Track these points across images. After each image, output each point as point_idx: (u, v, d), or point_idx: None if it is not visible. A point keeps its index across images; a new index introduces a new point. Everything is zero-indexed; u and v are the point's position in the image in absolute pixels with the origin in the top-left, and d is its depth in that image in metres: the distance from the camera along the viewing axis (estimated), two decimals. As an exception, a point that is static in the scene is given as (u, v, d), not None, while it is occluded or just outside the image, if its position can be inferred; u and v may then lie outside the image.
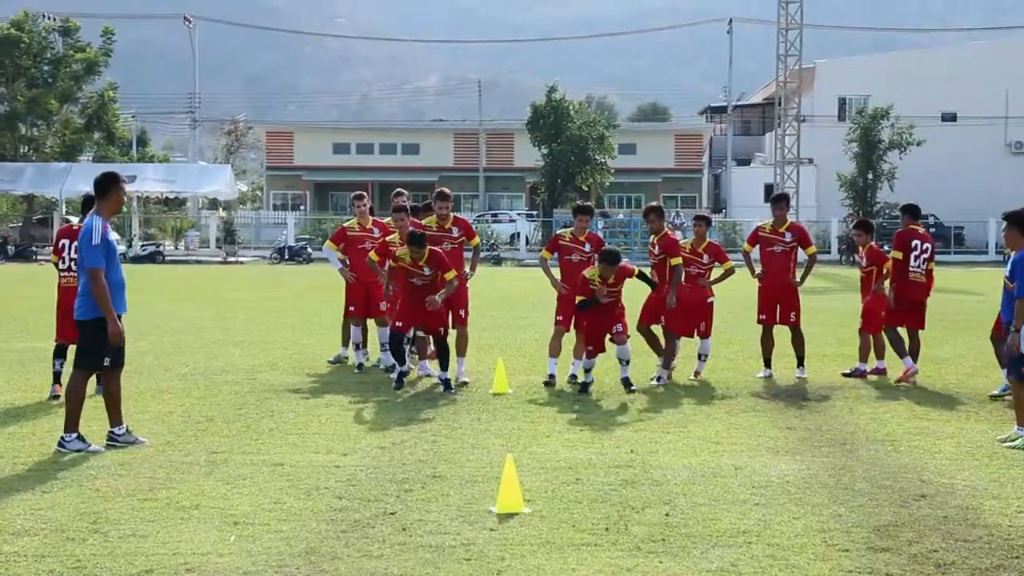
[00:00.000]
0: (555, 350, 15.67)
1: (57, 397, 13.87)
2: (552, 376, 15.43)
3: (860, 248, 17.09)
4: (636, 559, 7.71)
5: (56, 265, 14.68)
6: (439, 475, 10.07)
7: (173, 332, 21.80)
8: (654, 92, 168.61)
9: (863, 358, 16.59)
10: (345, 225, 17.48)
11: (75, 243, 14.87)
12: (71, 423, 11.04)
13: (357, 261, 16.77)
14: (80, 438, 11.06)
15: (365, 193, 17.82)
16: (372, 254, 15.98)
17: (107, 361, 11.21)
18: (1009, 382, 12.79)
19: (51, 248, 15.75)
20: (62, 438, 11.03)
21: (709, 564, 7.60)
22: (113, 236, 11.26)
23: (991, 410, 13.72)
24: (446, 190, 16.46)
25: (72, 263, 14.25)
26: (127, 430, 11.41)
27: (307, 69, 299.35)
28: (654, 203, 17.59)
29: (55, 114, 73.56)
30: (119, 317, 11.12)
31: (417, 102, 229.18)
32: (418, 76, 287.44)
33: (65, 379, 13.17)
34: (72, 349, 14.02)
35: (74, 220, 16.60)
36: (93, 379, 12.52)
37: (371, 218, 17.41)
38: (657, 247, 16.12)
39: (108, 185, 11.09)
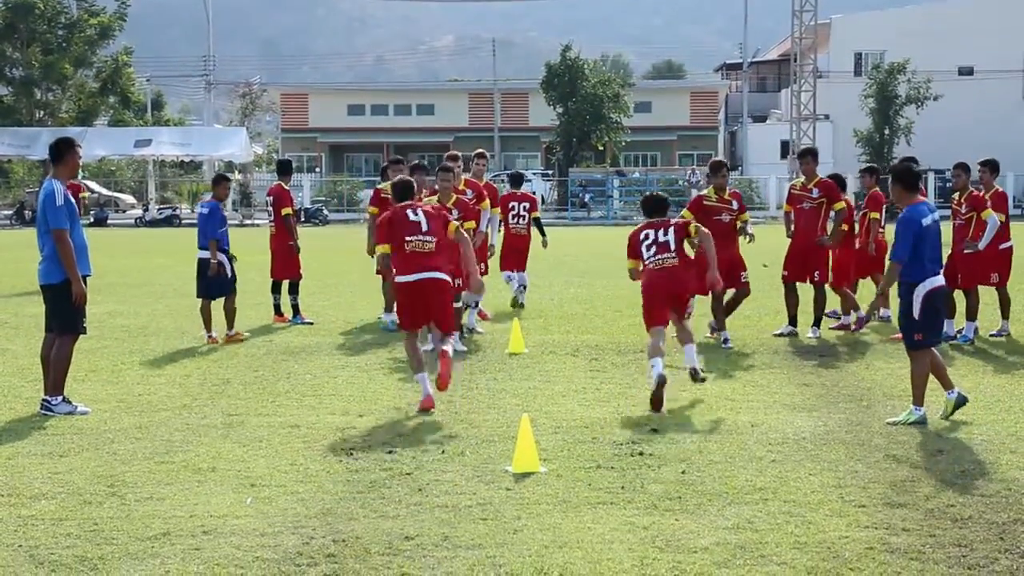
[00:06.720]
0: (655, 350, 11.62)
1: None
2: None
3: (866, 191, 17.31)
4: (652, 517, 7.71)
5: (288, 217, 17.77)
6: (455, 435, 10.08)
7: (189, 295, 21.78)
8: (669, 49, 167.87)
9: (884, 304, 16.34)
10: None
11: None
12: (58, 386, 11.10)
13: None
14: (66, 400, 11.14)
15: (458, 155, 16.50)
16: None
17: (85, 322, 11.29)
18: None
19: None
20: (47, 401, 11.08)
21: (725, 521, 7.60)
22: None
23: (1010, 364, 13.66)
24: (483, 151, 17.17)
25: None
26: (64, 399, 11.20)
27: (321, 31, 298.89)
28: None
29: (70, 79, 73.59)
30: (84, 279, 11.14)
31: (432, 63, 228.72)
32: (432, 37, 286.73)
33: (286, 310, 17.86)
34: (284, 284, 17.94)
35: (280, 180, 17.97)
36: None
37: (463, 177, 16.24)
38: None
39: (64, 150, 11.20)
